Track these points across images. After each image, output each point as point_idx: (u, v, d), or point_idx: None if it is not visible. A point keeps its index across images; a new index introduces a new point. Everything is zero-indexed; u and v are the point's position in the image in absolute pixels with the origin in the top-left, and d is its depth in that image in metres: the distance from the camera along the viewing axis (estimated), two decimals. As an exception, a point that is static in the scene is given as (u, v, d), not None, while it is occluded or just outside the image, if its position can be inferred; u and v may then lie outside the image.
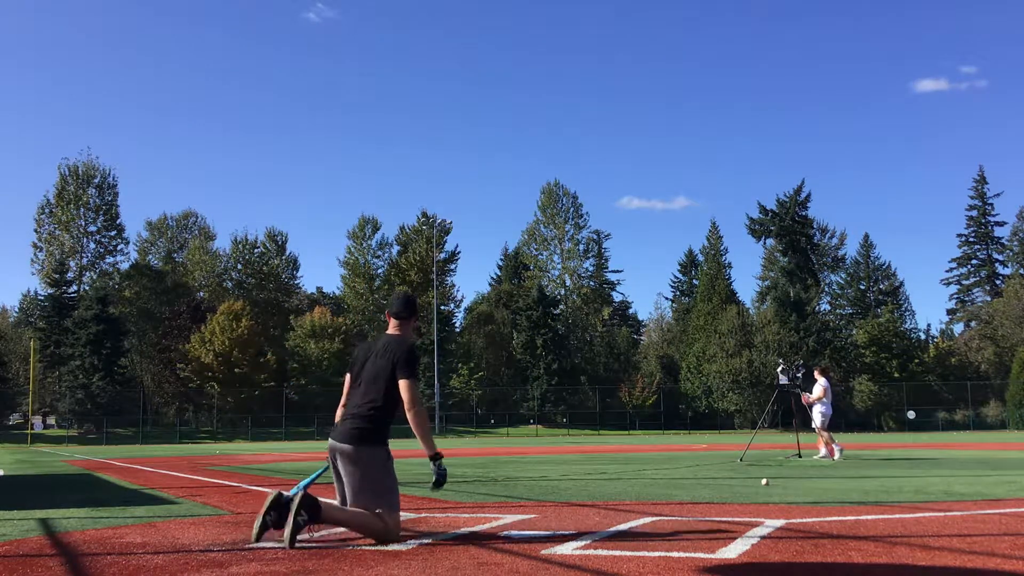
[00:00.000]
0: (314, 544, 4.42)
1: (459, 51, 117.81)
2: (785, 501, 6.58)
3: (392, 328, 4.91)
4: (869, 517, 5.39)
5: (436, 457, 4.61)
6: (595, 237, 77.87)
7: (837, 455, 13.87)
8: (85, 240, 68.06)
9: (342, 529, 4.75)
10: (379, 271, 75.38)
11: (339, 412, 4.81)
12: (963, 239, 78.03)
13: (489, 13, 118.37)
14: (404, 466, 13.80)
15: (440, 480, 4.66)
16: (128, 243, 70.67)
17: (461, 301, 77.58)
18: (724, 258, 73.99)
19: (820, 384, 14.53)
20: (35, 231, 67.62)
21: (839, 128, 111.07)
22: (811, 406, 14.46)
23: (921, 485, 8.14)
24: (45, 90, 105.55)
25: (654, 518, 5.43)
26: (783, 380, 14.22)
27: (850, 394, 59.04)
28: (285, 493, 4.49)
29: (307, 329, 63.50)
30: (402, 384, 4.57)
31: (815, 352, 58.95)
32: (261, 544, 4.43)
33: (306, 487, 4.52)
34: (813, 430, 14.87)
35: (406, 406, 4.58)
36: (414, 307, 5.01)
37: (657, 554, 3.94)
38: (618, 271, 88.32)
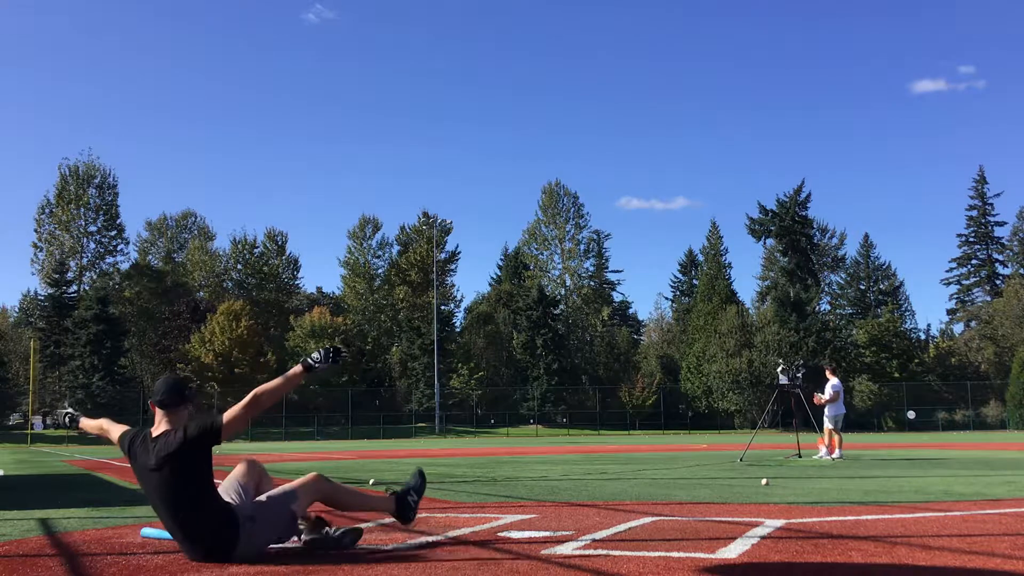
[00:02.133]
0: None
1: (459, 51, 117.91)
2: (785, 501, 6.58)
3: (160, 422, 4.05)
4: (869, 517, 5.39)
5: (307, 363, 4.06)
6: (595, 237, 78.01)
7: (836, 454, 13.88)
8: (85, 240, 68.12)
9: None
10: (379, 271, 75.42)
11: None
12: (963, 239, 78.12)
13: (489, 13, 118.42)
14: (402, 466, 13.80)
15: (333, 357, 4.02)
16: (128, 243, 70.85)
17: (461, 301, 77.73)
18: (724, 258, 74.10)
19: (832, 385, 14.50)
20: (35, 231, 67.80)
21: (839, 128, 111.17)
22: (822, 406, 14.40)
23: (921, 485, 8.14)
24: (45, 90, 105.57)
25: (654, 518, 5.42)
26: (783, 380, 14.22)
27: (850, 394, 59.03)
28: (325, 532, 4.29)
29: (307, 329, 63.53)
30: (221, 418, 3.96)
31: (815, 352, 58.98)
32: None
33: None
34: (814, 430, 14.87)
35: (247, 408, 3.96)
36: (182, 393, 4.10)
37: (657, 554, 3.94)
38: (618, 271, 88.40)
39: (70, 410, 4.85)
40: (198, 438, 3.89)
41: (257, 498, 4.11)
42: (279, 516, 4.01)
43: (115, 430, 4.38)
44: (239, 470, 4.28)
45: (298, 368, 4.02)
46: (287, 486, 4.16)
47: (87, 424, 4.68)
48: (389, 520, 5.43)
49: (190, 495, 3.89)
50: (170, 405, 4.03)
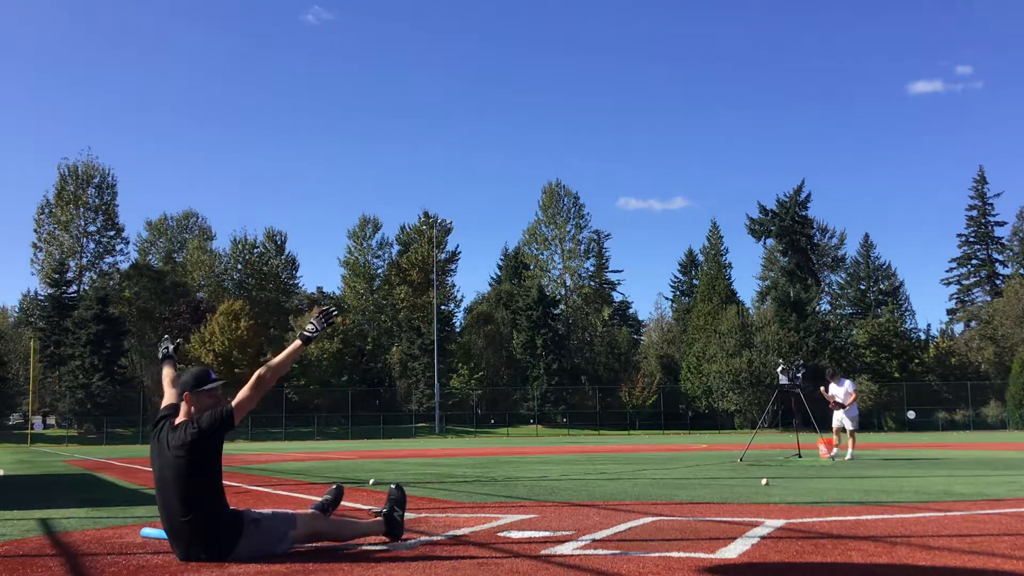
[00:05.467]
0: (314, 544, 4.42)
1: (459, 51, 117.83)
2: (785, 501, 6.58)
3: (184, 410, 4.25)
4: (869, 517, 5.39)
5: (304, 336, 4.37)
6: (595, 237, 77.95)
7: (835, 453, 13.87)
8: (85, 240, 68.07)
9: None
10: (379, 271, 75.40)
11: None
12: (963, 239, 78.03)
13: (488, 13, 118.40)
14: (401, 466, 13.80)
15: (327, 321, 4.43)
16: (128, 243, 70.80)
17: (461, 301, 77.65)
18: (724, 258, 74.01)
19: (851, 384, 14.40)
20: (35, 231, 67.66)
21: (839, 128, 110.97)
22: (847, 407, 14.20)
23: (921, 485, 8.14)
24: (45, 90, 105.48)
25: (654, 518, 5.42)
26: (783, 380, 14.19)
27: (850, 394, 58.99)
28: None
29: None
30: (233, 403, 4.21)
31: (815, 352, 58.95)
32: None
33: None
34: (814, 430, 14.83)
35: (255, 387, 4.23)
36: (202, 378, 4.34)
37: (657, 554, 3.94)
38: (618, 271, 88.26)
39: (170, 347, 5.10)
40: (211, 427, 4.09)
41: (263, 510, 4.36)
42: (277, 532, 4.20)
43: (166, 394, 4.60)
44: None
45: (297, 343, 4.34)
46: (293, 512, 4.40)
47: (167, 373, 4.88)
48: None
49: (199, 486, 4.04)
50: (190, 389, 4.23)
